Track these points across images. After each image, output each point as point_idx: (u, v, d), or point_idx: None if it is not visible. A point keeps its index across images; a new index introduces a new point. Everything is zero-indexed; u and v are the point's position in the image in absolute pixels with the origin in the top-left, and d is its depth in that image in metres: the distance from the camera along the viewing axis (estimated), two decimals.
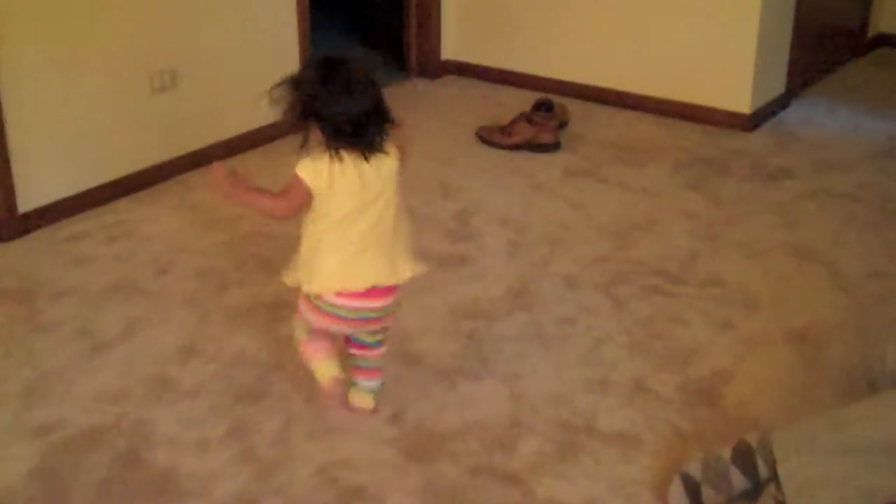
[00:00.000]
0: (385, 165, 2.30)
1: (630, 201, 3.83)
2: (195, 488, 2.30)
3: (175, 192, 3.86)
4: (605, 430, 2.49)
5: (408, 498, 2.27)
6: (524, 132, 4.28)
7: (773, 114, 4.73)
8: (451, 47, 5.30)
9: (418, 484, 2.31)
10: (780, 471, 2.08)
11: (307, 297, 2.41)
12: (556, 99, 4.56)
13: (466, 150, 4.33)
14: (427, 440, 2.46)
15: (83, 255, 3.37)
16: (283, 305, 3.01)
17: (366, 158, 2.25)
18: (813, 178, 4.06)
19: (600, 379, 2.70)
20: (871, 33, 5.76)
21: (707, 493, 2.16)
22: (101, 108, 3.67)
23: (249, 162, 4.12)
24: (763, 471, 2.12)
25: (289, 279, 2.42)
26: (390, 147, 2.31)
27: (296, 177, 2.27)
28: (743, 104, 4.53)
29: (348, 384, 2.56)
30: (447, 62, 5.31)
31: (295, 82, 2.26)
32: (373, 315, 2.41)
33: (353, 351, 2.55)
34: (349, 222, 2.29)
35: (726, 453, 2.17)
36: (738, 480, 2.14)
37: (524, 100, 4.59)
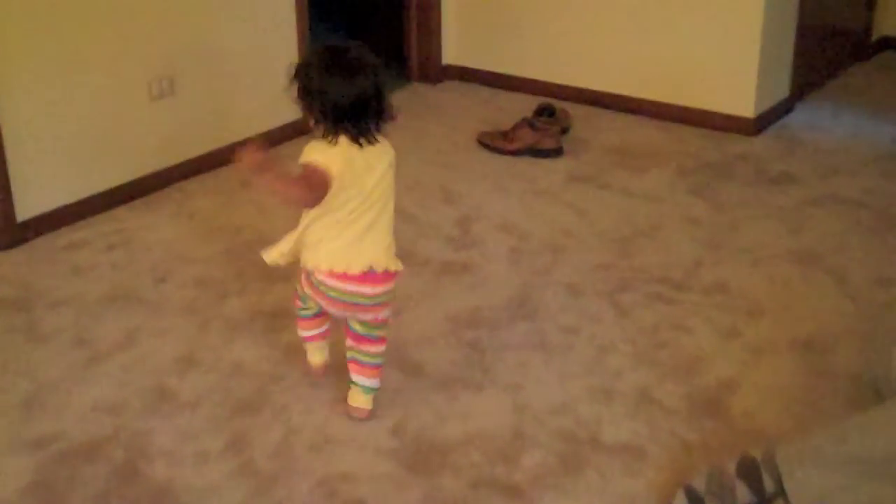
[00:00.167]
0: (385, 153, 2.36)
1: (633, 207, 3.80)
2: (193, 502, 2.27)
3: (174, 200, 3.83)
4: (610, 442, 2.46)
5: None
6: (526, 137, 4.26)
7: (777, 118, 4.69)
8: (453, 52, 5.27)
9: (419, 497, 2.28)
10: (787, 485, 2.06)
11: (306, 271, 2.43)
12: (559, 104, 4.53)
13: (468, 156, 4.30)
14: (428, 452, 2.43)
15: (81, 264, 3.34)
16: (283, 315, 2.98)
17: (369, 143, 2.31)
18: (817, 183, 4.03)
19: (604, 389, 2.67)
20: (875, 36, 5.72)
21: None
22: (99, 116, 3.65)
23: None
24: (769, 485, 2.09)
25: (268, 257, 2.45)
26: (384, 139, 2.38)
27: (311, 165, 2.28)
28: (746, 108, 4.50)
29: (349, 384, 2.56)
30: (448, 67, 5.28)
31: (298, 68, 2.33)
32: (365, 301, 2.41)
33: (350, 342, 2.54)
34: (352, 208, 2.32)
35: (731, 467, 2.15)
36: (744, 494, 2.11)
37: (526, 104, 4.56)
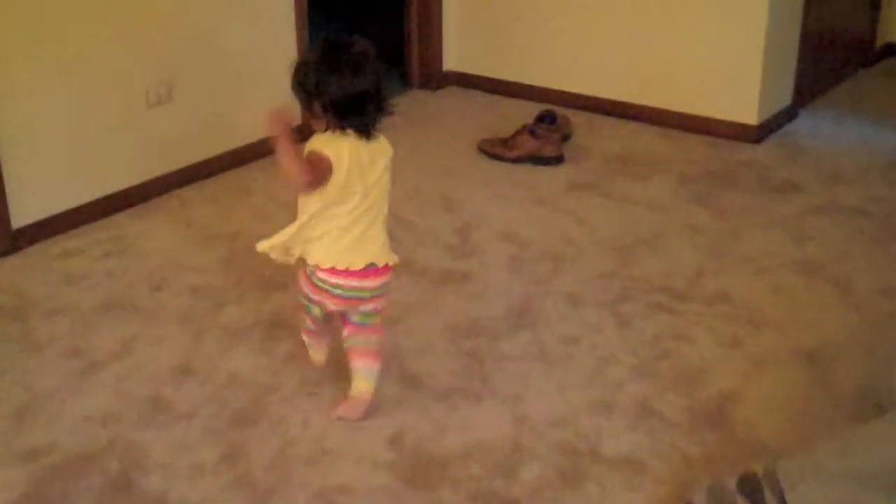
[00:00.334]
0: (386, 150, 2.41)
1: (634, 216, 3.76)
2: None
3: (171, 207, 3.80)
4: (610, 455, 2.42)
5: None
6: (527, 145, 4.22)
7: (780, 125, 4.66)
8: (453, 58, 5.24)
9: None
10: (789, 500, 2.04)
11: (305, 271, 2.45)
12: (560, 110, 4.50)
13: (468, 163, 4.27)
14: (426, 465, 2.39)
15: (77, 272, 3.31)
16: (281, 324, 2.96)
17: (367, 138, 2.33)
18: (821, 191, 3.99)
19: (605, 400, 2.63)
20: (879, 43, 5.69)
21: None
22: (95, 122, 3.62)
23: (248, 175, 4.07)
24: (770, 501, 2.06)
25: (263, 246, 2.43)
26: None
27: (317, 153, 2.29)
28: (749, 115, 4.46)
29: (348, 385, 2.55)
30: (449, 73, 5.25)
31: (300, 63, 2.34)
32: (366, 295, 2.45)
33: (348, 332, 2.55)
34: (355, 204, 2.34)
35: (732, 482, 2.12)
36: None
37: (527, 111, 4.53)
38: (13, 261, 3.38)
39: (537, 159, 4.22)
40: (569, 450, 2.44)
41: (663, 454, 2.42)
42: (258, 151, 4.13)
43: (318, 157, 2.29)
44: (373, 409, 2.55)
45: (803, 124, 4.75)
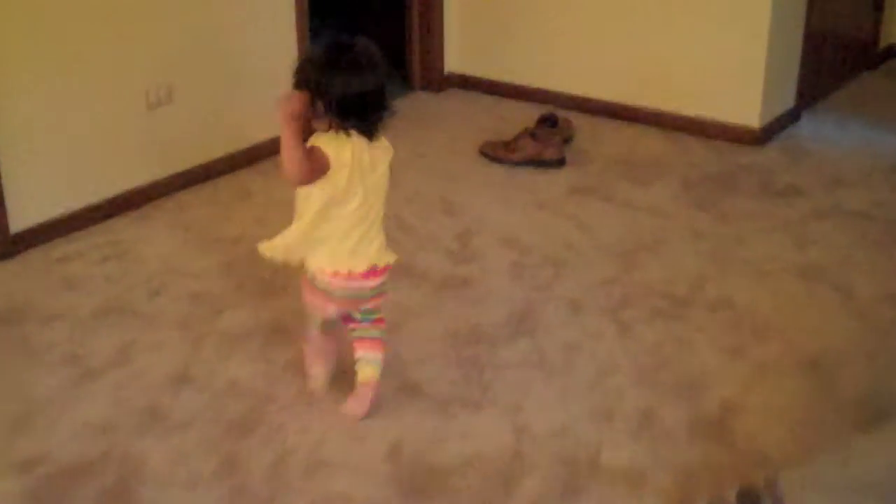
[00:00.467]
0: (387, 152, 2.42)
1: (636, 220, 3.74)
2: None
3: (170, 212, 3.78)
4: (610, 465, 2.40)
5: None
6: (528, 148, 4.20)
7: (783, 128, 4.64)
8: (455, 60, 5.22)
9: None
10: None
11: (308, 279, 2.47)
12: (561, 113, 4.48)
13: (469, 166, 4.25)
14: (425, 475, 2.37)
15: (75, 277, 3.29)
16: (280, 330, 2.94)
17: (369, 139, 2.34)
18: (824, 195, 3.97)
19: (605, 409, 2.61)
20: (882, 45, 5.67)
21: None
22: (94, 125, 3.60)
23: (248, 178, 4.05)
24: None
25: (266, 248, 2.44)
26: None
27: (317, 149, 2.30)
28: (752, 118, 4.44)
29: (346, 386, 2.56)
30: (450, 75, 5.23)
31: (302, 62, 2.35)
32: (368, 294, 2.49)
33: (353, 326, 2.59)
34: (357, 205, 2.35)
35: (731, 494, 2.11)
36: None
37: (528, 113, 4.51)
38: (11, 265, 3.36)
39: (539, 162, 4.19)
40: (569, 460, 2.42)
41: (663, 464, 2.40)
42: (259, 154, 4.12)
43: (319, 152, 2.30)
44: (372, 416, 2.54)
45: (806, 127, 4.72)
